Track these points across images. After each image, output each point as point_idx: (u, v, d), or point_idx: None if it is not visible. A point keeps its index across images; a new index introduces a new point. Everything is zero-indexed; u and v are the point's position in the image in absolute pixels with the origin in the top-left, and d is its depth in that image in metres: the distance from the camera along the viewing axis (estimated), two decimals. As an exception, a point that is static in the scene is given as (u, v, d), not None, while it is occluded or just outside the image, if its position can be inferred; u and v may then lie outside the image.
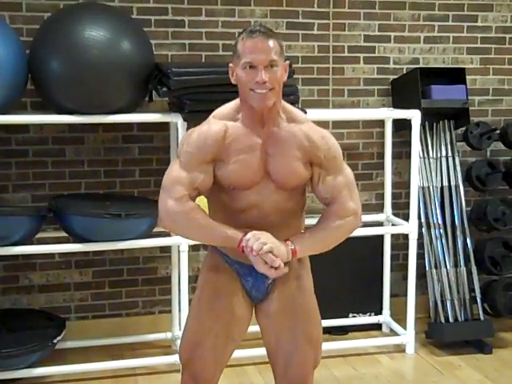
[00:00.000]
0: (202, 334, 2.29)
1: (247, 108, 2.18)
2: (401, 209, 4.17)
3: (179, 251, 3.52)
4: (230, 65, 2.20)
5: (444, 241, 4.00)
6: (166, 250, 3.91)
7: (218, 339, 2.29)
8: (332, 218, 2.25)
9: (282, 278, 2.27)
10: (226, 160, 2.18)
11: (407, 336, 3.85)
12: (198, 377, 2.32)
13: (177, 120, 3.38)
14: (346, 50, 4.12)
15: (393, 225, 4.07)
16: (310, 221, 4.18)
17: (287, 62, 2.21)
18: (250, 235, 2.12)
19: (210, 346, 2.29)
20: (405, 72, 4.16)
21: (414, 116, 3.76)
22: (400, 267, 4.23)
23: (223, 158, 2.18)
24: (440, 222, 4.01)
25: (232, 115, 2.22)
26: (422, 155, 4.02)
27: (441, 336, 3.89)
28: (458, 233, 4.01)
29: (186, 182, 2.17)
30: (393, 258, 4.15)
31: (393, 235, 4.12)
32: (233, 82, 2.20)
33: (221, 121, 2.21)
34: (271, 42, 2.11)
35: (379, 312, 4.13)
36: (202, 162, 2.18)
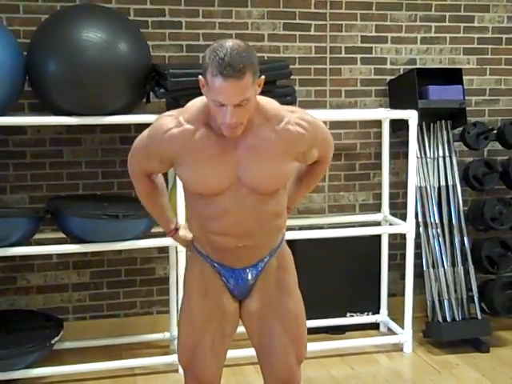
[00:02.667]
0: (198, 335, 2.30)
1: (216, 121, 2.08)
2: (398, 208, 4.18)
3: (177, 251, 3.52)
4: (200, 77, 2.05)
5: (441, 240, 4.01)
6: (164, 250, 3.92)
7: (214, 337, 2.30)
8: (319, 174, 2.46)
9: (263, 279, 2.30)
10: (190, 166, 2.12)
11: (405, 335, 3.86)
12: (200, 378, 2.33)
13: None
14: (343, 51, 4.13)
15: (390, 224, 4.08)
16: (308, 221, 4.18)
17: (262, 77, 2.05)
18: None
19: (208, 346, 2.30)
20: (402, 72, 4.17)
21: (411, 116, 3.76)
22: (397, 267, 4.24)
23: (186, 161, 2.12)
24: (437, 221, 4.02)
25: (203, 117, 2.11)
26: (419, 155, 4.03)
27: (438, 335, 3.90)
28: (456, 232, 4.02)
29: (140, 162, 2.27)
30: (390, 257, 4.16)
31: (390, 235, 4.13)
32: (203, 92, 2.07)
33: (189, 126, 2.10)
34: (241, 83, 1.95)
35: (377, 311, 4.14)
36: (155, 157, 2.20)
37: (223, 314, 2.30)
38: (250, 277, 2.30)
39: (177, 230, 2.46)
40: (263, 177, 2.14)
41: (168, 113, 2.19)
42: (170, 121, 2.13)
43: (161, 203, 2.43)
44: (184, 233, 2.45)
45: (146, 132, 2.25)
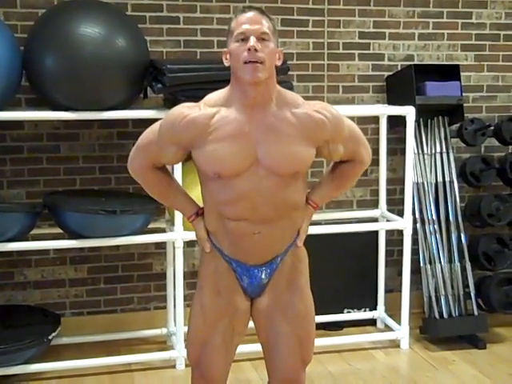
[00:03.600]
0: (209, 332, 2.28)
1: (239, 91, 2.15)
2: (395, 205, 4.18)
3: (174, 247, 3.52)
4: (224, 49, 2.19)
5: (438, 236, 4.01)
6: (161, 246, 3.92)
7: (224, 335, 2.29)
8: (353, 174, 2.39)
9: (276, 278, 2.29)
10: (208, 147, 2.14)
11: (402, 331, 3.87)
12: (208, 375, 2.31)
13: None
14: (340, 47, 4.13)
15: (387, 221, 4.08)
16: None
17: (281, 49, 2.21)
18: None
19: (218, 343, 2.29)
20: (399, 69, 4.17)
21: (409, 112, 3.77)
22: (394, 263, 4.24)
23: (203, 144, 2.14)
24: (434, 217, 4.02)
25: (222, 101, 2.18)
26: (416, 151, 4.04)
27: (435, 331, 3.91)
28: (453, 228, 4.03)
29: (153, 155, 2.25)
30: (387, 253, 4.17)
31: (387, 231, 4.13)
32: (226, 64, 2.18)
33: (209, 109, 2.16)
34: (264, 19, 2.14)
35: (374, 307, 4.15)
36: (174, 143, 2.20)
37: (235, 312, 2.29)
38: (264, 275, 2.29)
39: (197, 214, 2.33)
40: (281, 157, 2.15)
41: (185, 104, 2.25)
42: (189, 108, 2.20)
43: (175, 187, 2.39)
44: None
45: (156, 124, 2.25)
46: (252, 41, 2.09)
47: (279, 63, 2.19)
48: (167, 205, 2.46)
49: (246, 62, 2.09)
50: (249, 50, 2.08)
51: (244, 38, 2.11)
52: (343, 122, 2.26)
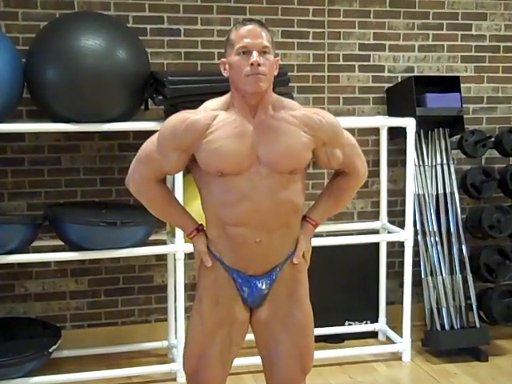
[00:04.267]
0: (207, 342, 2.28)
1: (239, 98, 2.20)
2: (396, 216, 4.18)
3: (175, 259, 3.52)
4: (222, 59, 2.24)
5: (439, 248, 4.00)
6: (162, 258, 3.91)
7: (222, 346, 2.29)
8: (348, 188, 2.40)
9: (275, 289, 2.29)
10: (213, 143, 2.17)
11: (403, 344, 3.85)
12: None
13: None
14: (341, 59, 4.14)
15: (388, 232, 4.07)
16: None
17: (277, 58, 2.25)
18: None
19: (215, 354, 2.29)
20: (400, 80, 4.18)
21: (409, 124, 3.77)
22: (396, 275, 4.23)
23: (206, 142, 2.18)
24: (435, 229, 4.02)
25: (222, 106, 2.24)
26: (417, 163, 4.04)
27: (437, 344, 3.89)
28: (454, 240, 4.02)
29: (156, 164, 2.25)
30: (388, 265, 4.15)
31: (388, 243, 4.13)
32: (224, 74, 2.23)
33: (210, 111, 2.22)
34: (264, 31, 2.18)
35: (375, 320, 4.13)
36: (176, 148, 2.21)
37: (233, 323, 2.29)
38: (264, 286, 2.29)
39: (198, 230, 2.34)
40: (281, 153, 2.19)
41: (184, 110, 2.28)
42: (188, 113, 2.24)
43: (175, 203, 2.40)
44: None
45: (155, 135, 2.27)
46: (255, 56, 2.13)
47: (276, 73, 2.25)
48: (167, 220, 2.48)
49: (248, 75, 2.14)
50: (252, 64, 2.13)
51: (246, 52, 2.15)
52: (340, 127, 2.31)
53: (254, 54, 2.13)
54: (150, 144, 2.28)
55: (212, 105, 2.26)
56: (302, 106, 2.31)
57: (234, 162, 2.17)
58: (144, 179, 2.28)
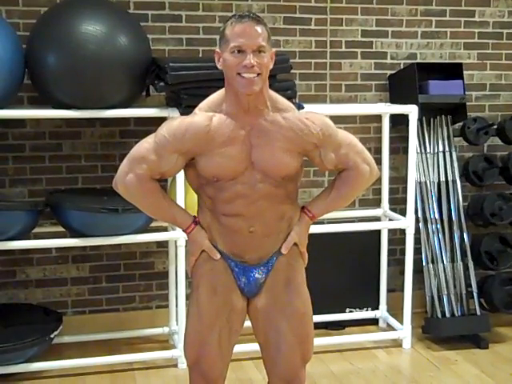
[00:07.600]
0: (206, 331, 2.28)
1: (232, 96, 2.18)
2: (398, 204, 4.18)
3: (176, 246, 3.52)
4: (217, 50, 2.20)
5: (441, 236, 4.00)
6: (163, 244, 3.92)
7: (221, 334, 2.29)
8: (349, 184, 2.34)
9: (272, 278, 2.30)
10: (208, 153, 2.17)
11: (404, 331, 3.86)
12: (207, 375, 2.31)
13: (174, 115, 3.37)
14: (343, 45, 4.12)
15: (390, 220, 4.07)
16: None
17: (273, 50, 2.22)
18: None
19: (215, 343, 2.29)
20: (402, 67, 4.16)
21: (412, 111, 3.76)
22: (397, 262, 4.24)
23: (204, 151, 2.18)
24: (437, 217, 4.01)
25: (217, 106, 2.22)
26: (419, 150, 4.03)
27: (437, 331, 3.90)
28: (455, 228, 4.02)
29: (152, 164, 2.21)
30: (390, 252, 4.16)
31: (390, 230, 4.13)
32: (218, 66, 2.20)
33: (206, 113, 2.21)
34: (260, 28, 2.13)
35: (376, 307, 4.14)
36: (175, 151, 2.19)
37: (231, 311, 2.30)
38: (260, 275, 2.30)
39: (196, 223, 2.30)
40: (273, 160, 2.19)
41: (181, 116, 2.29)
42: (186, 118, 2.23)
43: (169, 199, 2.35)
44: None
45: (151, 136, 2.24)
46: (249, 57, 2.10)
47: (271, 65, 2.20)
48: (162, 218, 2.42)
49: (241, 76, 2.11)
50: (245, 66, 2.10)
51: (240, 51, 2.11)
52: (333, 129, 2.28)
53: (249, 56, 2.10)
54: (145, 144, 2.23)
55: (206, 106, 2.24)
56: (295, 108, 2.29)
57: (230, 170, 2.19)
58: (139, 177, 2.20)
